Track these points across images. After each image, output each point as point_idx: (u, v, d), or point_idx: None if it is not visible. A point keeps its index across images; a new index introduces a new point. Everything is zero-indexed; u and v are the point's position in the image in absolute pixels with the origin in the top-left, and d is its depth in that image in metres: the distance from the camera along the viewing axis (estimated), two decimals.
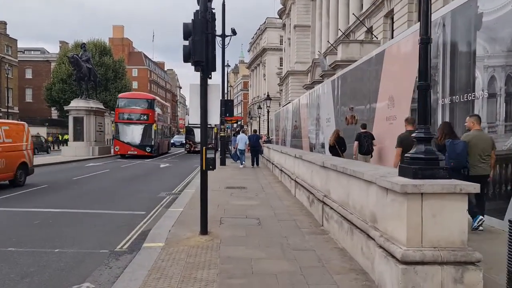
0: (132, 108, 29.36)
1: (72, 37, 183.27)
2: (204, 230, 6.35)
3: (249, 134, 25.20)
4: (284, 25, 57.02)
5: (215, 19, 6.39)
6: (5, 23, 54.47)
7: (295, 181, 10.58)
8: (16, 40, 55.98)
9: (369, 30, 25.14)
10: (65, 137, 46.76)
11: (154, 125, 29.05)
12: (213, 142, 38.32)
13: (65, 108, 29.99)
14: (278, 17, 61.68)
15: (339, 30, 31.33)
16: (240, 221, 7.55)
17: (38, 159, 24.41)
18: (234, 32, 20.30)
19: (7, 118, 44.21)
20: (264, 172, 17.82)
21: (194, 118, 6.60)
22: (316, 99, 21.57)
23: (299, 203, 9.43)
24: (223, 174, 16.01)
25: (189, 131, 37.46)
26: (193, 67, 6.27)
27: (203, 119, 6.39)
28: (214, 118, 6.53)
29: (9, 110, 51.90)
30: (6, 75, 42.43)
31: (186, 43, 6.31)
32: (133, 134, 28.37)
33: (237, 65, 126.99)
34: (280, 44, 68.50)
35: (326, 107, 19.02)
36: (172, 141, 46.15)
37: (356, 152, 11.03)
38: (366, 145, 10.82)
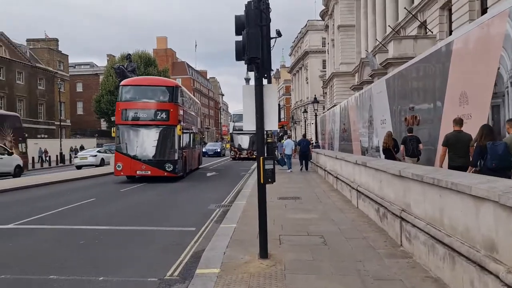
0: (142, 101, 18.35)
1: (117, 50, 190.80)
2: (264, 253, 5.50)
3: (295, 139, 25.47)
4: (326, 26, 55.67)
5: (269, 10, 5.56)
6: (57, 40, 56.96)
7: (356, 190, 9.52)
8: (67, 55, 58.38)
9: (423, 24, 23.50)
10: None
11: (178, 127, 17.86)
12: None
13: (113, 118, 30.38)
14: (320, 18, 60.41)
15: (388, 27, 29.75)
16: (302, 239, 6.63)
17: (86, 171, 24.78)
18: (279, 34, 19.32)
19: (60, 131, 45.90)
20: (315, 178, 16.79)
21: (248, 123, 5.79)
22: (368, 100, 20.24)
23: (365, 216, 8.37)
24: None
25: (233, 138, 36.85)
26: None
27: (259, 125, 5.56)
28: (271, 124, 5.68)
29: (62, 123, 54.04)
30: (58, 90, 44.02)
31: (238, 39, 5.53)
32: (145, 143, 18.01)
33: (279, 69, 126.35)
34: (323, 46, 67.18)
35: (380, 108, 17.70)
36: (204, 150, 37.41)
37: (403, 155, 11.17)
38: (411, 148, 10.90)
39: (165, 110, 17.95)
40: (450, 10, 20.62)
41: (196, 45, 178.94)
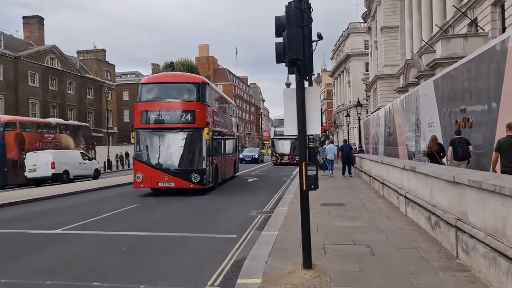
0: (164, 101, 15.98)
1: (161, 58, 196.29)
2: (307, 264, 5.25)
3: (337, 144, 25.40)
4: (369, 28, 54.44)
5: (311, 10, 5.35)
6: (104, 51, 59.43)
7: (405, 197, 9.04)
8: (114, 65, 60.77)
9: (474, 22, 22.32)
10: None
11: (206, 131, 15.45)
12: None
13: None
14: (362, 21, 59.24)
15: (435, 26, 28.57)
16: (347, 249, 6.31)
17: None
18: (320, 37, 18.98)
19: (108, 138, 47.66)
20: (359, 184, 16.26)
21: (289, 128, 5.58)
22: (414, 102, 19.42)
23: (415, 225, 7.89)
24: None
25: (275, 143, 36.61)
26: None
27: (300, 129, 5.33)
28: (313, 128, 5.44)
29: (109, 131, 56.13)
30: (106, 98, 45.85)
31: (279, 40, 5.36)
32: (167, 149, 15.61)
33: (320, 74, 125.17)
34: (365, 49, 65.77)
35: (427, 111, 16.90)
36: (240, 156, 35.27)
37: (451, 158, 10.62)
38: (460, 150, 10.37)
39: (191, 110, 15.33)
40: (502, 6, 19.47)
41: (237, 52, 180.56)
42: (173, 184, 15.08)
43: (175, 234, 8.30)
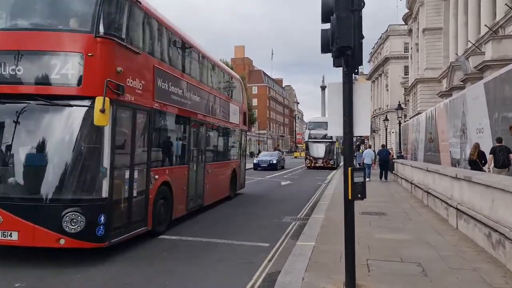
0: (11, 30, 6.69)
1: None
2: (351, 284, 4.57)
3: (374, 149, 24.84)
4: (410, 30, 52.58)
5: None
6: None
7: (456, 209, 8.15)
8: None
9: None
10: None
11: (106, 104, 5.84)
12: (334, 158, 35.41)
13: None
14: (403, 23, 57.34)
15: (483, 27, 26.98)
16: (395, 266, 5.57)
17: None
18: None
19: None
20: (399, 191, 15.27)
21: (333, 128, 4.94)
22: (460, 106, 18.21)
23: (469, 241, 7.02)
24: None
25: (309, 146, 35.66)
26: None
27: (347, 129, 4.67)
28: (362, 128, 4.76)
29: None
30: None
31: (325, 27, 4.73)
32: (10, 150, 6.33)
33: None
34: (405, 52, 63.76)
35: (476, 116, 15.73)
36: (255, 161, 33.28)
37: (491, 166, 10.70)
38: (501, 158, 10.37)
39: (67, 54, 6.30)
40: None
41: (272, 53, 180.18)
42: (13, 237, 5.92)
43: (203, 240, 7.72)
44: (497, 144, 10.81)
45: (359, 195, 4.61)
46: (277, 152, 41.45)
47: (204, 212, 10.95)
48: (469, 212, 7.28)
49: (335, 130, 4.86)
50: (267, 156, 34.90)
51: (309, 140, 35.41)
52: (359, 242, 6.85)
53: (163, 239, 7.74)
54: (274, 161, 32.57)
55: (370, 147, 29.84)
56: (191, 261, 6.29)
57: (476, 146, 12.19)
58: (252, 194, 16.05)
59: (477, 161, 11.58)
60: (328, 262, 5.75)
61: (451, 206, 8.62)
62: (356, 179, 4.58)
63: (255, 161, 32.79)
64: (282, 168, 34.23)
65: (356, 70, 4.74)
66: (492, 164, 10.70)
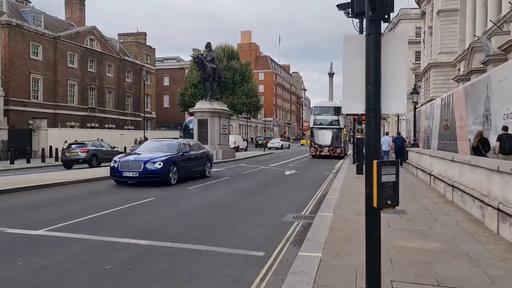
0: None
1: (201, 45, 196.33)
2: None
3: (385, 136, 24.45)
4: (423, 13, 50.31)
5: None
6: (145, 34, 58.60)
7: (497, 209, 6.60)
8: (154, 49, 59.84)
9: None
10: None
11: None
12: (342, 146, 32.33)
13: (190, 110, 29.44)
14: (416, 5, 54.95)
15: (505, 5, 24.99)
16: None
17: None
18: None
19: (145, 123, 46.89)
20: (416, 183, 13.71)
21: (350, 102, 3.41)
22: (484, 90, 16.47)
23: None
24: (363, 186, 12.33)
25: (314, 133, 32.87)
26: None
27: (371, 103, 3.14)
28: (394, 102, 3.24)
29: (148, 115, 55.48)
30: (144, 81, 44.93)
31: None
32: None
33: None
34: (416, 37, 61.47)
35: (504, 100, 14.02)
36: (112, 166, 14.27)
37: (498, 152, 11.44)
38: (508, 145, 11.19)
39: None
40: None
41: (280, 39, 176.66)
42: None
43: (184, 246, 6.24)
44: (504, 132, 11.81)
45: (389, 201, 3.11)
46: (173, 144, 16.02)
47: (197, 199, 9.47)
48: None
49: (353, 105, 3.34)
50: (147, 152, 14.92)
51: (314, 126, 32.78)
52: None
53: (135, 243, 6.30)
54: (156, 167, 13.50)
55: (387, 134, 28.55)
56: (161, 282, 4.85)
57: (479, 133, 13.30)
58: (254, 185, 14.61)
59: (480, 148, 12.62)
60: (341, 282, 4.28)
61: (488, 205, 7.08)
62: (385, 178, 3.07)
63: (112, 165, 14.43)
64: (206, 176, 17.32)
65: (386, 16, 3.18)
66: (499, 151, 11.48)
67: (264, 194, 12.35)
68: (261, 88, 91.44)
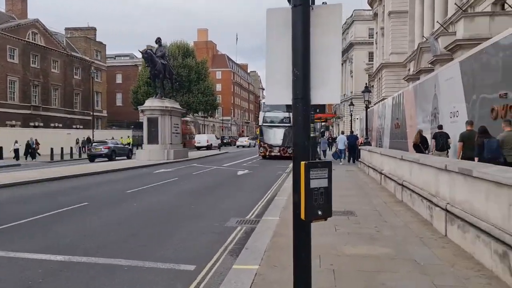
0: None
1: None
2: None
3: (336, 135, 25.95)
4: (375, 14, 51.36)
5: None
6: (95, 29, 55.99)
7: (445, 210, 6.29)
8: (105, 45, 57.33)
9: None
10: (128, 140, 46.19)
11: None
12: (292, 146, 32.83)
13: (139, 108, 28.13)
14: (368, 7, 56.09)
15: (450, 8, 25.74)
16: None
17: (105, 164, 22.64)
18: None
19: (95, 122, 44.76)
20: (368, 182, 13.50)
21: (275, 89, 2.79)
22: (432, 89, 16.66)
23: (469, 257, 5.15)
24: None
25: (263, 132, 29.69)
26: None
27: (299, 91, 2.55)
28: (326, 90, 2.66)
29: (98, 114, 53.05)
30: (92, 78, 42.71)
31: None
32: None
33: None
34: (369, 38, 62.95)
35: (450, 98, 14.15)
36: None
37: (433, 149, 12.44)
38: (441, 142, 12.10)
39: None
40: None
41: (237, 38, 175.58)
42: None
43: (110, 262, 5.44)
44: (438, 130, 12.72)
45: (319, 212, 2.53)
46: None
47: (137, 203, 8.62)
48: (467, 217, 5.42)
49: (278, 93, 2.73)
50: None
51: (264, 124, 29.71)
52: (322, 263, 4.88)
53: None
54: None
55: (343, 133, 28.69)
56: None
57: (419, 132, 14.24)
58: (202, 186, 13.88)
59: (419, 145, 13.53)
60: None
61: (437, 205, 6.78)
62: (315, 183, 2.48)
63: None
64: None
65: None
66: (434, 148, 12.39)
67: (211, 196, 11.65)
68: (218, 87, 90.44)
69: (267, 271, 4.65)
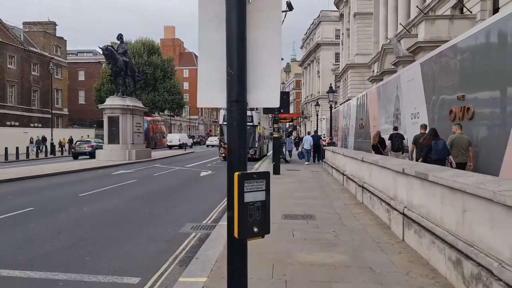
0: None
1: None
2: None
3: (304, 134, 26.09)
4: (341, 15, 52.01)
5: None
6: (54, 24, 53.79)
7: (402, 214, 6.19)
8: (66, 40, 55.22)
9: (460, 3, 19.92)
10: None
11: None
12: (256, 146, 26.68)
13: (100, 106, 27.13)
14: (335, 8, 56.75)
15: (412, 11, 26.28)
16: None
17: (62, 165, 21.68)
18: (290, 7, 16.10)
19: (55, 120, 42.99)
20: (330, 183, 13.43)
21: (206, 90, 2.46)
22: (394, 90, 16.87)
23: (424, 263, 5.03)
24: (278, 188, 11.71)
25: (223, 131, 25.97)
26: None
27: (234, 94, 2.26)
28: (264, 92, 2.38)
29: (59, 112, 51.04)
30: (50, 75, 40.89)
31: None
32: None
33: (289, 63, 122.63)
34: (336, 39, 63.71)
35: (411, 100, 14.34)
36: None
37: (389, 150, 12.97)
38: (397, 144, 12.70)
39: None
40: None
41: None
42: None
43: (48, 276, 4.97)
44: (394, 132, 13.23)
45: (255, 229, 2.25)
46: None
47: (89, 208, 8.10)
48: (423, 222, 5.31)
49: (211, 95, 2.42)
50: None
51: (224, 123, 26.00)
52: (274, 273, 4.62)
53: None
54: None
55: (309, 133, 28.93)
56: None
57: (378, 133, 14.66)
58: (161, 189, 13.40)
59: (378, 146, 13.86)
60: None
61: (394, 209, 6.68)
62: (250, 196, 2.20)
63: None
64: None
65: None
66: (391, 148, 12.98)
67: (170, 199, 11.21)
68: (186, 85, 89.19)
69: (215, 284, 4.35)
